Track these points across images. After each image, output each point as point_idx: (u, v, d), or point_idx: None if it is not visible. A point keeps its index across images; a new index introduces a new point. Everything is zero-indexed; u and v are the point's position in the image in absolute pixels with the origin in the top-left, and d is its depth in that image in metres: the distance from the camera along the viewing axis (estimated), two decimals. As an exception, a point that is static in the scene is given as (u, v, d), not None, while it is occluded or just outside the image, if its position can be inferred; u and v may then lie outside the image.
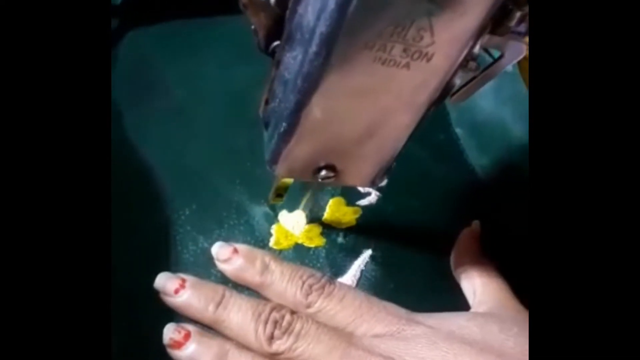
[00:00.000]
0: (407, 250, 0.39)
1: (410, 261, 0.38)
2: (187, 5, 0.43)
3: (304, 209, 0.37)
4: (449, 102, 0.27)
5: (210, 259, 0.36)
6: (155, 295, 0.35)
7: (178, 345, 0.29)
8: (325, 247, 0.38)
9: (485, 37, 0.24)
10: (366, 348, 0.29)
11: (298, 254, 0.37)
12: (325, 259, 0.37)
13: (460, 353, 0.28)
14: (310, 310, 0.31)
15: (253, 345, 0.29)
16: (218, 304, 0.31)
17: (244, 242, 0.37)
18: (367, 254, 0.38)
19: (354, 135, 0.27)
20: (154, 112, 0.42)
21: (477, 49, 0.24)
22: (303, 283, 0.31)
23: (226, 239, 0.37)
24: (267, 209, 0.38)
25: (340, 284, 0.32)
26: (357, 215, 0.39)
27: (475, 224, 0.38)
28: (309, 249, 0.38)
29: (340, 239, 0.38)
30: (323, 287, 0.31)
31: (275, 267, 0.32)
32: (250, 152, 0.40)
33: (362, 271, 0.37)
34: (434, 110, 0.26)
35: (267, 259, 0.33)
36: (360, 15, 0.23)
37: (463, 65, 0.25)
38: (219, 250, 0.34)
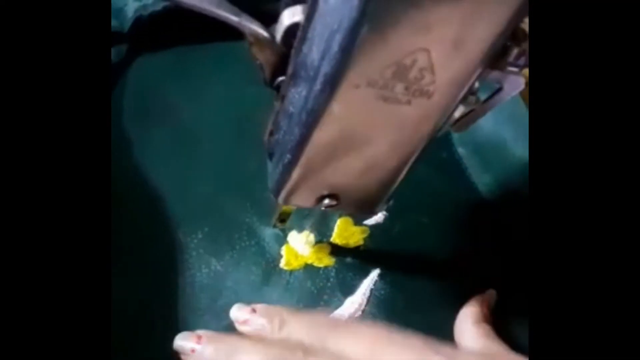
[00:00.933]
0: (415, 267, 0.39)
1: (418, 278, 0.39)
2: (194, 31, 0.43)
3: (311, 229, 0.37)
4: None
5: (222, 282, 0.37)
6: (166, 320, 0.36)
7: None
8: (334, 267, 0.38)
9: (485, 72, 0.25)
10: None
11: (308, 274, 0.38)
12: (335, 278, 0.38)
13: None
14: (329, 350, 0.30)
15: None
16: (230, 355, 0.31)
17: (255, 263, 0.38)
18: (376, 272, 0.38)
19: (356, 167, 0.28)
20: (163, 137, 0.43)
21: (476, 84, 0.25)
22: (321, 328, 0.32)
23: (238, 261, 0.38)
24: (276, 231, 0.39)
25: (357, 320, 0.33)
26: (365, 235, 0.40)
27: (490, 293, 0.38)
28: (318, 268, 0.38)
29: (349, 259, 0.39)
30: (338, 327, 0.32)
31: (292, 319, 0.32)
32: (259, 175, 0.40)
33: (371, 290, 0.38)
34: (434, 140, 0.27)
35: (285, 314, 0.33)
36: (363, 56, 0.23)
37: (463, 99, 0.25)
38: (237, 312, 0.34)
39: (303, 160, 0.27)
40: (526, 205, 0.24)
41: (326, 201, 0.29)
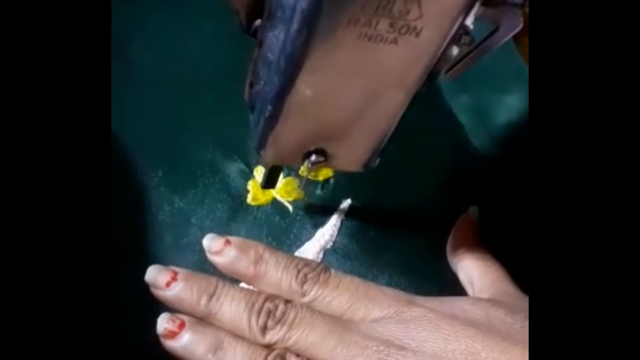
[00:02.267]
0: (386, 197, 0.38)
1: (389, 208, 0.38)
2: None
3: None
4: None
5: (187, 220, 0.35)
6: (130, 260, 0.34)
7: (172, 335, 0.28)
8: (304, 200, 0.37)
9: (478, 9, 0.22)
10: (363, 333, 0.27)
11: (277, 209, 0.36)
12: (305, 211, 0.37)
13: (464, 335, 0.26)
14: (306, 299, 0.29)
15: (247, 336, 0.28)
16: (211, 296, 0.29)
17: (220, 199, 0.36)
18: (346, 203, 0.37)
19: (343, 116, 0.25)
20: (117, 75, 0.38)
21: (470, 22, 0.23)
22: (298, 272, 0.29)
23: (202, 198, 0.36)
24: (242, 166, 0.37)
25: (336, 272, 0.31)
26: (332, 166, 0.38)
27: (473, 209, 0.36)
28: (287, 202, 0.37)
29: (318, 191, 0.37)
30: (319, 275, 0.29)
31: (269, 256, 0.30)
32: (220, 112, 0.38)
33: (342, 221, 0.37)
34: (427, 88, 0.25)
35: (261, 249, 0.31)
36: (341, -12, 0.21)
37: (456, 39, 0.23)
38: (211, 242, 0.32)
39: (285, 112, 0.24)
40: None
41: (313, 157, 0.27)
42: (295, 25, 0.22)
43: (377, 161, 0.29)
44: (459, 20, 0.22)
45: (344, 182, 0.38)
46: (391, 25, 0.22)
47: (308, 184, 0.37)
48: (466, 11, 0.22)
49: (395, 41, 0.22)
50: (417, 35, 0.22)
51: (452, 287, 0.34)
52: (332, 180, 0.38)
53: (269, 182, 0.32)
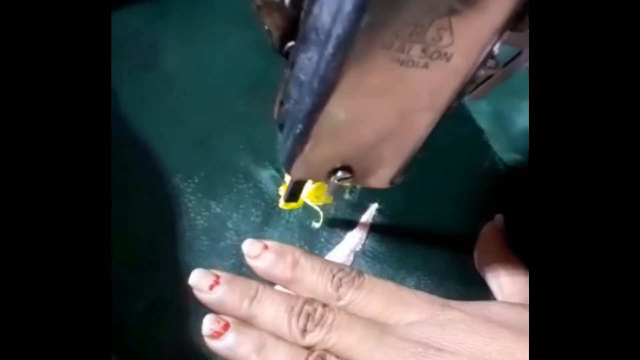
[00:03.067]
0: (412, 201, 0.39)
1: (417, 211, 0.39)
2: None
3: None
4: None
5: (223, 224, 0.36)
6: (170, 264, 0.35)
7: (217, 335, 0.29)
8: (333, 205, 0.38)
9: (505, 35, 0.23)
10: (400, 335, 0.28)
11: (307, 213, 0.37)
12: (334, 215, 0.38)
13: (500, 336, 0.27)
14: (341, 302, 0.30)
15: (288, 338, 0.29)
16: (252, 299, 0.30)
17: (254, 204, 0.37)
18: (373, 207, 0.38)
19: (371, 137, 0.26)
20: (150, 86, 0.40)
21: (496, 47, 0.23)
22: (333, 276, 0.30)
23: (237, 203, 0.37)
24: (273, 172, 0.38)
25: (370, 276, 0.31)
26: (360, 170, 0.39)
27: (498, 217, 0.37)
28: (317, 206, 0.38)
29: (346, 195, 0.38)
30: (353, 280, 0.30)
31: (305, 261, 0.31)
32: (250, 118, 0.39)
33: (370, 224, 0.38)
34: (453, 109, 0.25)
35: (297, 254, 0.32)
36: (377, 16, 0.21)
37: (482, 63, 0.23)
38: (250, 247, 0.33)
39: (315, 130, 0.25)
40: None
41: (339, 174, 0.27)
42: (330, 50, 0.22)
43: (402, 178, 0.29)
44: (489, 46, 0.23)
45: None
46: (423, 50, 0.22)
47: (338, 189, 0.38)
48: (497, 38, 0.23)
49: (426, 66, 0.23)
50: (448, 60, 0.23)
51: (478, 288, 0.35)
52: (359, 185, 0.39)
53: (292, 196, 0.33)
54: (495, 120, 0.42)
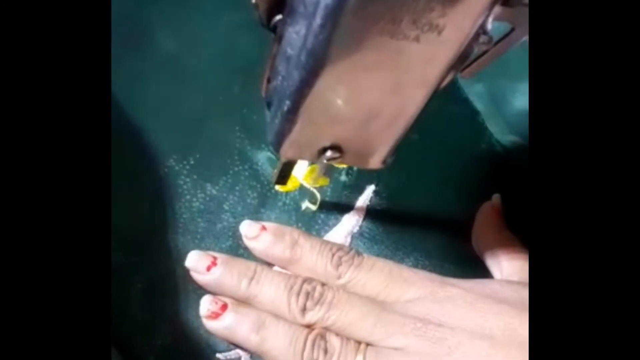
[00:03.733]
0: (408, 182, 0.38)
1: (413, 192, 0.38)
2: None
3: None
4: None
5: (220, 206, 0.36)
6: (167, 245, 0.35)
7: (215, 316, 0.28)
8: (329, 186, 0.37)
9: (497, 9, 0.22)
10: (400, 312, 0.27)
11: (304, 195, 0.37)
12: (331, 197, 0.37)
13: (500, 312, 0.26)
14: (341, 281, 0.29)
15: (287, 317, 0.28)
16: (251, 279, 0.29)
17: (250, 186, 0.37)
18: (371, 189, 0.37)
19: (361, 113, 0.25)
20: (142, 65, 0.39)
21: (489, 22, 0.22)
22: (332, 255, 0.30)
23: (233, 185, 0.36)
24: (269, 154, 0.37)
25: (369, 255, 0.30)
26: (358, 151, 0.38)
27: (496, 197, 0.36)
28: (314, 188, 0.37)
29: (343, 177, 0.37)
30: (352, 258, 0.30)
31: (304, 241, 0.30)
32: (245, 99, 0.39)
33: (367, 206, 0.37)
34: (444, 86, 0.24)
35: (295, 234, 0.31)
36: (367, -14, 0.21)
37: (475, 39, 0.22)
38: (248, 228, 0.32)
39: (304, 107, 0.24)
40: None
41: (328, 153, 0.26)
42: (318, 21, 0.21)
43: (392, 159, 0.28)
44: (481, 19, 0.22)
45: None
46: (414, 22, 0.21)
47: (332, 171, 0.37)
48: (489, 10, 0.22)
49: (417, 39, 0.22)
50: (440, 33, 0.22)
51: (476, 269, 0.34)
52: (355, 167, 0.38)
53: (282, 178, 0.32)
54: (491, 101, 0.41)
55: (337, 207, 0.37)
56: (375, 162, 0.28)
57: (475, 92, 0.41)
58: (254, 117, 0.38)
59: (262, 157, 0.37)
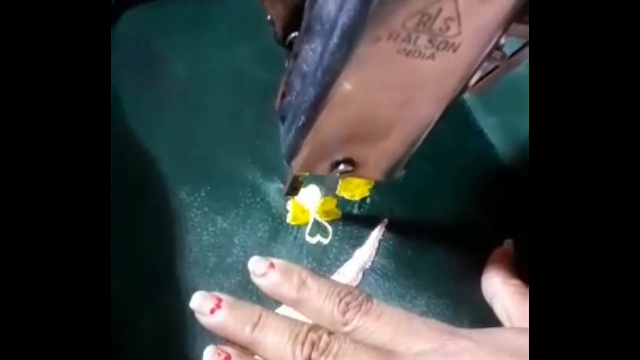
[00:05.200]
0: (423, 215, 0.37)
1: (426, 227, 0.37)
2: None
3: (316, 183, 0.35)
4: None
5: (230, 240, 0.35)
6: (176, 280, 0.34)
7: None
8: (341, 220, 0.36)
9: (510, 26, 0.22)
10: None
11: (316, 229, 0.36)
12: (343, 231, 0.36)
13: None
14: (348, 328, 0.28)
15: None
16: (255, 325, 0.28)
17: (262, 219, 0.36)
18: (383, 223, 0.37)
19: (375, 128, 0.25)
20: (155, 96, 0.39)
21: (503, 39, 0.22)
22: (340, 300, 0.29)
23: (244, 218, 0.36)
24: (281, 185, 0.37)
25: (379, 302, 0.30)
26: (370, 186, 0.37)
27: (507, 243, 0.35)
28: (326, 222, 0.36)
29: (355, 211, 0.37)
30: (360, 305, 0.28)
31: (312, 283, 0.29)
32: (258, 130, 0.38)
33: (380, 241, 0.36)
34: (456, 101, 0.24)
35: (304, 274, 0.30)
36: (385, 6, 0.21)
37: (488, 55, 0.22)
38: (256, 265, 0.32)
39: (318, 122, 0.24)
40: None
41: (341, 167, 0.26)
42: (335, 39, 0.22)
43: (404, 172, 0.28)
44: (497, 37, 0.22)
45: (380, 202, 0.37)
46: (430, 41, 0.22)
47: (345, 204, 0.36)
48: (504, 28, 0.22)
49: (432, 57, 0.22)
50: (455, 51, 0.22)
51: (488, 309, 0.33)
52: (368, 200, 0.37)
53: (292, 190, 0.32)
54: (504, 133, 0.41)
55: (349, 241, 0.36)
56: (386, 175, 0.28)
57: (488, 125, 0.41)
58: (267, 148, 0.38)
59: (274, 190, 0.37)
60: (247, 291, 0.33)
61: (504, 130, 0.41)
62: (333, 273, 0.35)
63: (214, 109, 0.40)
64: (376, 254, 0.35)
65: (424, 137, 0.26)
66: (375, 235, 0.36)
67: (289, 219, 0.36)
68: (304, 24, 0.23)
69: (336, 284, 0.31)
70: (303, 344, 0.27)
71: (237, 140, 0.38)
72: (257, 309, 0.30)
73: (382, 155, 0.27)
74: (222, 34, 0.43)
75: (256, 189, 0.37)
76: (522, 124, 0.41)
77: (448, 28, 0.21)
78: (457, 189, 0.39)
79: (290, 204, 0.36)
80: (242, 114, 0.39)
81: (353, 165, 0.26)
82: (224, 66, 0.41)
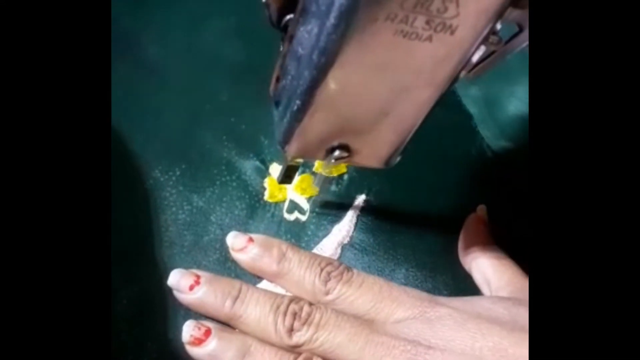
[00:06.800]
0: (399, 191, 0.37)
1: (404, 201, 0.37)
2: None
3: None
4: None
5: (207, 218, 0.34)
6: (153, 259, 0.33)
7: (199, 342, 0.27)
8: (318, 196, 0.36)
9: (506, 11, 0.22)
10: (389, 333, 0.27)
11: (294, 205, 0.36)
12: (321, 208, 0.36)
13: (490, 332, 0.26)
14: (329, 297, 0.28)
15: (273, 338, 0.27)
16: (235, 299, 0.28)
17: (238, 197, 0.35)
18: (361, 199, 0.36)
19: (371, 112, 0.24)
20: (127, 75, 0.37)
21: (498, 24, 0.22)
22: (321, 270, 0.29)
23: (220, 196, 0.35)
24: (257, 163, 0.36)
25: (358, 271, 0.30)
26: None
27: (481, 208, 0.35)
28: (303, 199, 0.36)
29: (333, 187, 0.37)
30: (342, 274, 0.29)
31: (292, 255, 0.30)
32: (232, 107, 0.37)
33: (357, 216, 0.36)
34: (452, 87, 0.24)
35: (284, 247, 0.30)
36: (383, -15, 0.20)
37: (485, 39, 0.22)
38: (234, 239, 0.31)
39: (314, 106, 0.23)
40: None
41: (336, 153, 0.26)
42: (331, 20, 0.21)
43: (398, 159, 0.28)
44: (494, 19, 0.22)
45: (358, 178, 0.37)
46: (427, 22, 0.21)
47: (319, 177, 0.36)
48: (502, 11, 0.21)
49: (429, 38, 0.22)
50: (452, 33, 0.22)
51: (466, 280, 0.34)
52: (346, 176, 0.37)
53: (286, 177, 0.31)
54: (486, 105, 0.40)
55: (327, 217, 0.35)
56: (381, 162, 0.28)
57: (470, 96, 0.41)
58: (242, 126, 0.37)
59: (250, 167, 0.36)
60: (226, 268, 0.33)
61: (484, 101, 0.41)
62: (312, 249, 0.35)
63: (186, 87, 0.38)
64: (354, 230, 0.35)
65: (419, 123, 0.25)
66: (353, 210, 0.36)
67: (266, 196, 0.35)
68: (299, 6, 0.22)
69: (316, 255, 0.31)
70: (285, 314, 0.28)
71: (211, 118, 0.37)
72: (237, 283, 0.30)
73: (377, 142, 0.26)
74: (192, 12, 0.41)
75: (232, 166, 0.36)
76: (503, 95, 0.42)
77: (446, 9, 0.21)
78: (434, 162, 0.39)
79: (267, 182, 0.36)
80: (215, 92, 0.38)
81: (348, 152, 0.26)
82: (196, 43, 0.40)
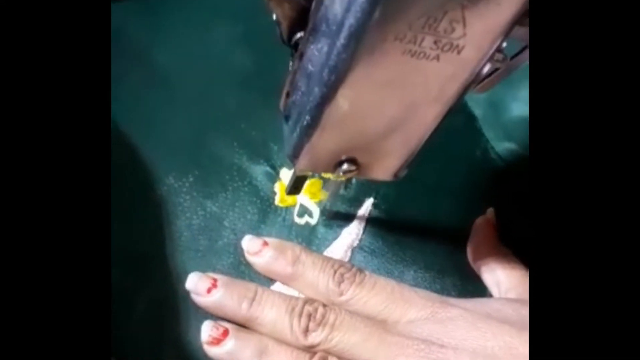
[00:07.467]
0: (407, 193, 0.38)
1: (412, 205, 0.38)
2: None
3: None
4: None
5: (220, 223, 0.35)
6: (168, 264, 0.33)
7: (217, 342, 0.28)
8: (328, 201, 0.37)
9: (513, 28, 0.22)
10: (402, 333, 0.27)
11: (304, 209, 0.36)
12: (330, 211, 0.37)
13: (501, 332, 0.26)
14: (343, 298, 0.29)
15: (289, 339, 0.28)
16: (251, 301, 0.29)
17: (250, 202, 0.36)
18: (369, 202, 0.37)
19: (379, 128, 0.25)
20: (139, 84, 0.38)
21: (504, 42, 0.23)
22: (334, 272, 0.30)
23: (232, 201, 0.36)
24: (267, 168, 0.37)
25: (370, 273, 0.30)
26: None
27: (490, 212, 0.36)
28: (313, 203, 0.37)
29: (341, 191, 0.37)
30: (354, 276, 0.30)
31: (306, 257, 0.30)
32: (242, 114, 0.38)
33: (366, 219, 0.37)
34: (459, 103, 0.25)
35: (297, 250, 0.31)
36: (391, 7, 0.20)
37: (491, 57, 0.23)
38: (249, 243, 0.32)
39: (323, 122, 0.24)
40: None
41: (345, 166, 0.26)
42: (341, 40, 0.21)
43: (406, 171, 0.28)
44: (499, 39, 0.22)
45: (366, 181, 0.37)
46: (435, 42, 0.22)
47: (330, 183, 0.37)
48: (508, 31, 0.22)
49: (437, 58, 0.22)
50: (459, 53, 0.22)
51: (475, 281, 0.34)
52: (354, 180, 0.37)
53: (294, 189, 0.32)
54: (490, 107, 0.41)
55: (336, 221, 0.36)
56: (388, 175, 0.28)
57: (475, 98, 0.41)
58: (252, 132, 0.37)
59: (261, 173, 0.37)
60: (240, 272, 0.33)
61: (488, 103, 0.41)
62: (322, 252, 0.35)
63: (196, 95, 0.39)
64: (363, 232, 0.36)
65: (426, 138, 0.26)
66: (362, 213, 0.37)
67: (277, 201, 0.36)
68: (310, 25, 0.23)
69: (329, 258, 0.32)
70: (300, 316, 0.28)
71: (222, 125, 0.38)
72: (253, 285, 0.31)
73: (385, 156, 0.27)
74: (203, 17, 0.41)
75: (243, 172, 0.36)
76: (507, 97, 0.42)
77: (453, 30, 0.21)
78: (439, 163, 0.39)
79: (277, 187, 0.36)
80: (225, 99, 0.38)
81: (356, 165, 0.26)
82: (205, 50, 0.40)
